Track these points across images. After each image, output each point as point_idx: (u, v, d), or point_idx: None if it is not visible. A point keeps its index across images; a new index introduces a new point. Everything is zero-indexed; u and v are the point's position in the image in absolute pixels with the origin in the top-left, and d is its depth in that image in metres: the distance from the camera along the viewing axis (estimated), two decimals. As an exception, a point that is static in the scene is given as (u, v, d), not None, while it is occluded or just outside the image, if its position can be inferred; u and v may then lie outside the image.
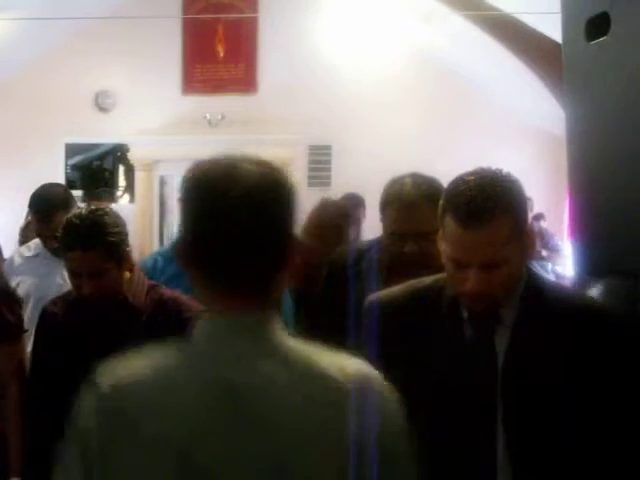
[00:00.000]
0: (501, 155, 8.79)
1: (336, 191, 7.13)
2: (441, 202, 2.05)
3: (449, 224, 1.98)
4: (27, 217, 5.79)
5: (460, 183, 2.02)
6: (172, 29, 9.43)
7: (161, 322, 2.62)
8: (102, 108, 9.68)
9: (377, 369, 1.53)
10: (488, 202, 1.92)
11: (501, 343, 2.02)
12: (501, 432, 1.99)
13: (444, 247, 2.02)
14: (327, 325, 2.91)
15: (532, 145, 9.11)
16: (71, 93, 9.49)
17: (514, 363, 2.00)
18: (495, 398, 2.00)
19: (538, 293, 2.06)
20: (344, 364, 1.47)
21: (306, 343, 1.50)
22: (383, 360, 1.82)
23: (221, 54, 9.67)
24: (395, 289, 2.23)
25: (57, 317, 2.74)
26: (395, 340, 2.07)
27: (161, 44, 9.42)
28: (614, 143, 2.27)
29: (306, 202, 7.04)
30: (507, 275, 1.97)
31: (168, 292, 2.73)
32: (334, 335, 2.39)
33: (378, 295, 2.25)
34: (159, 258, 3.41)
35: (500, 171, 2.05)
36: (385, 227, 2.89)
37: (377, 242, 2.99)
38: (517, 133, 9.19)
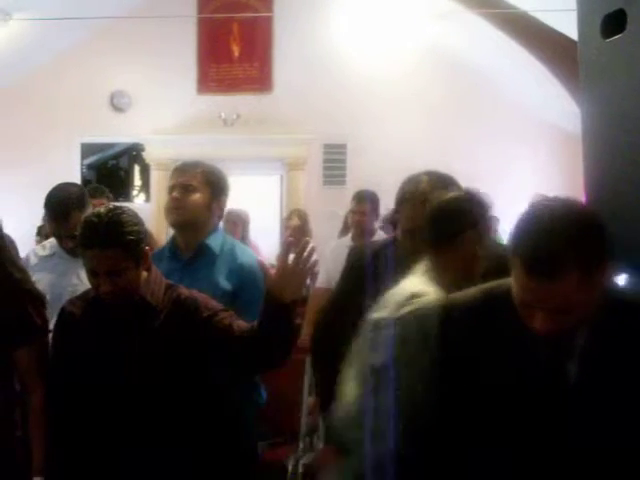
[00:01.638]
0: (516, 152, 8.83)
1: (351, 189, 7.14)
2: (511, 234, 1.89)
3: (516, 264, 1.85)
4: (44, 216, 5.82)
5: (530, 220, 1.86)
6: (187, 29, 9.45)
7: (179, 321, 2.63)
8: (118, 108, 9.71)
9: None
10: (558, 253, 1.76)
11: (572, 365, 1.93)
12: (565, 448, 1.93)
13: (512, 281, 1.89)
14: (345, 321, 2.93)
15: (547, 142, 9.07)
16: (87, 93, 9.52)
17: (584, 382, 1.92)
18: (562, 417, 1.93)
19: (612, 309, 1.92)
20: None
21: None
22: (445, 364, 1.81)
23: (236, 53, 9.68)
24: (470, 292, 2.16)
25: (75, 316, 2.75)
26: (463, 346, 2.05)
27: (176, 43, 9.44)
28: (630, 140, 2.25)
29: (321, 200, 7.08)
30: (578, 314, 1.86)
31: (186, 291, 2.73)
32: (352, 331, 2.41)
33: (453, 296, 2.21)
34: (154, 259, 3.41)
35: (577, 206, 1.88)
36: (401, 224, 2.90)
37: (393, 239, 3.00)
38: (532, 130, 9.15)
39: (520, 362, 1.96)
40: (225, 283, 3.15)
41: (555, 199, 1.88)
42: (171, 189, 3.33)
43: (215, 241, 3.29)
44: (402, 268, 2.59)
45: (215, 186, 3.35)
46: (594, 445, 1.89)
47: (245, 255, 3.27)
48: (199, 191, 3.29)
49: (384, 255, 2.81)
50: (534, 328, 1.87)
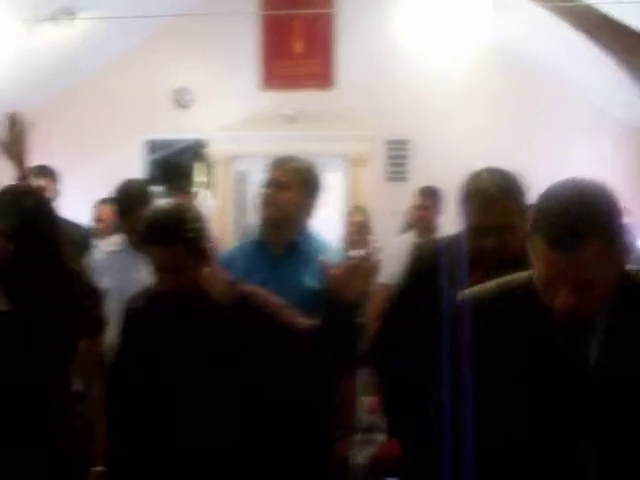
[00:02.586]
0: (579, 146, 8.68)
1: (413, 186, 7.11)
2: (531, 216, 1.94)
3: (537, 241, 1.88)
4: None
5: (549, 198, 1.91)
6: (249, 25, 9.48)
7: (241, 317, 2.64)
8: (181, 105, 9.79)
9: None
10: (577, 225, 1.80)
11: (593, 349, 1.94)
12: (589, 438, 1.92)
13: (533, 260, 1.92)
14: (407, 319, 2.91)
15: (611, 136, 8.89)
16: (151, 90, 9.62)
17: (605, 369, 1.92)
18: (584, 406, 1.93)
19: (634, 295, 1.96)
20: None
21: None
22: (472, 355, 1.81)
23: (298, 50, 9.68)
24: (488, 285, 2.17)
25: (139, 312, 2.78)
26: (485, 337, 2.03)
27: (239, 40, 9.48)
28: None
29: (383, 197, 7.07)
30: (600, 291, 1.87)
31: (248, 287, 2.74)
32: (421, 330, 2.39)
33: (470, 291, 2.19)
34: (236, 252, 3.42)
35: (593, 183, 1.92)
36: (465, 221, 2.87)
37: (458, 237, 2.97)
38: (595, 124, 8.99)
39: (541, 347, 1.97)
40: (313, 282, 3.12)
41: (572, 179, 1.94)
42: (264, 184, 3.33)
43: (305, 239, 3.28)
44: (467, 265, 2.57)
45: (308, 183, 3.34)
46: (615, 428, 1.90)
47: (335, 254, 3.21)
48: (292, 189, 3.27)
49: (451, 252, 2.78)
50: (556, 308, 1.89)
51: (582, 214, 1.82)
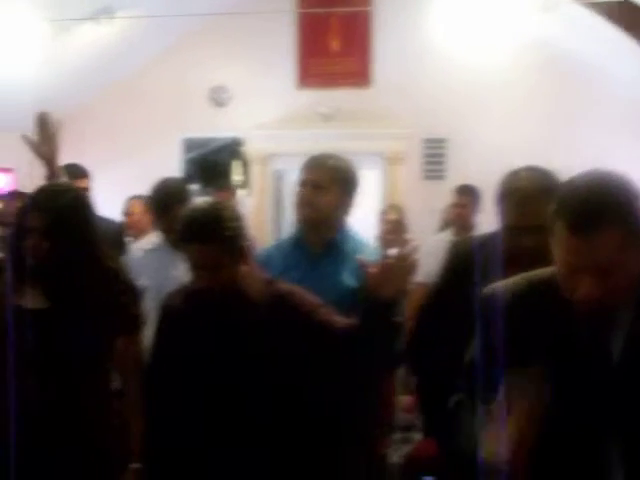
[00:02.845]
0: (620, 144, 8.59)
1: (450, 184, 7.09)
2: (553, 204, 1.96)
3: (559, 227, 1.90)
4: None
5: (571, 186, 1.95)
6: (286, 23, 9.50)
7: (278, 316, 2.64)
8: (218, 103, 9.82)
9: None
10: (598, 208, 1.82)
11: (617, 344, 1.94)
12: (614, 433, 1.92)
13: (555, 250, 1.94)
14: (444, 318, 2.90)
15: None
16: (188, 88, 9.67)
17: (630, 364, 1.91)
18: (608, 401, 1.92)
19: None
20: None
21: None
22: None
23: (335, 48, 9.68)
24: (511, 280, 2.17)
25: (176, 310, 2.79)
26: (509, 331, 2.02)
27: (275, 38, 9.50)
28: None
29: (421, 195, 7.04)
30: (622, 281, 1.87)
31: (285, 286, 2.74)
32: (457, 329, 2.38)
33: (495, 286, 2.19)
34: (274, 251, 3.42)
35: (614, 173, 1.93)
36: (502, 220, 2.85)
37: (494, 235, 2.95)
38: (634, 122, 8.90)
39: (564, 342, 1.97)
40: (351, 280, 3.11)
41: (594, 169, 1.96)
42: (300, 184, 3.32)
43: (343, 238, 3.27)
44: (503, 264, 2.55)
45: (344, 183, 3.32)
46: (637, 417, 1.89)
47: (373, 252, 3.18)
48: (328, 189, 3.24)
49: (487, 250, 2.76)
50: (578, 299, 1.89)
51: (602, 200, 1.84)
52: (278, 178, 9.86)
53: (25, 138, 3.57)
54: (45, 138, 3.57)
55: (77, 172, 5.29)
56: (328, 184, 3.23)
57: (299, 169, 3.38)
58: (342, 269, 3.16)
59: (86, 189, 5.27)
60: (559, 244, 1.91)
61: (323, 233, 3.25)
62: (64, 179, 3.55)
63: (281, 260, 3.20)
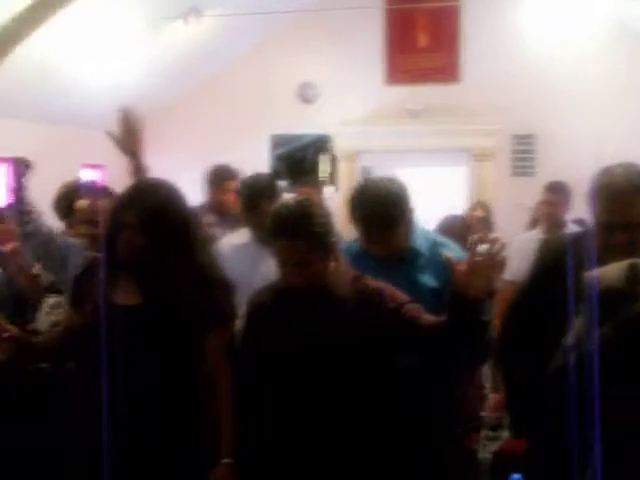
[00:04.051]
0: None
1: (540, 181, 6.98)
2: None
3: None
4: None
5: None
6: (373, 20, 9.49)
7: (365, 312, 2.64)
8: (305, 100, 9.88)
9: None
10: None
11: None
12: None
13: None
14: (534, 317, 2.87)
15: None
16: (275, 85, 9.75)
17: None
18: None
19: None
20: None
21: None
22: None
23: (422, 44, 9.64)
24: (612, 265, 2.18)
25: (264, 307, 2.80)
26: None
27: (363, 35, 9.50)
28: None
29: (509, 192, 6.96)
30: None
31: (373, 283, 2.73)
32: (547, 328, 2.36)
33: (596, 271, 2.20)
34: (354, 246, 3.36)
35: None
36: (594, 217, 2.81)
37: (586, 233, 2.91)
38: None
39: None
40: (430, 281, 3.08)
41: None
42: (364, 220, 3.23)
43: (418, 240, 3.21)
44: (597, 262, 2.51)
45: (404, 209, 3.18)
46: None
47: (450, 250, 3.09)
48: (396, 225, 3.12)
49: (578, 249, 2.71)
50: None
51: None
52: (365, 175, 9.86)
53: (109, 134, 3.64)
54: (128, 134, 3.63)
55: (225, 174, 5.26)
56: (392, 222, 3.12)
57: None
58: (418, 271, 3.12)
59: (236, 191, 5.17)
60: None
61: (394, 252, 3.16)
62: (150, 175, 3.59)
63: (354, 263, 3.11)
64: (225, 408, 2.71)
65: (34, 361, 3.32)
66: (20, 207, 3.98)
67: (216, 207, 5.03)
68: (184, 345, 2.70)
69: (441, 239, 3.32)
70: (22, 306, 4.01)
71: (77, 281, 2.99)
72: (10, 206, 4.36)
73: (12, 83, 7.00)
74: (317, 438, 2.64)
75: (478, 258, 2.39)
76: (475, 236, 2.47)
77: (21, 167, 3.98)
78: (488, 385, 4.59)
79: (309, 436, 2.64)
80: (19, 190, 3.97)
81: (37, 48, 6.73)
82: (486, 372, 4.43)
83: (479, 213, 6.74)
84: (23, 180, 3.98)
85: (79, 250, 3.95)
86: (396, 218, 3.06)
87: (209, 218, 4.88)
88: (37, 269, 4.11)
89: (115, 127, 3.64)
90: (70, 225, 4.39)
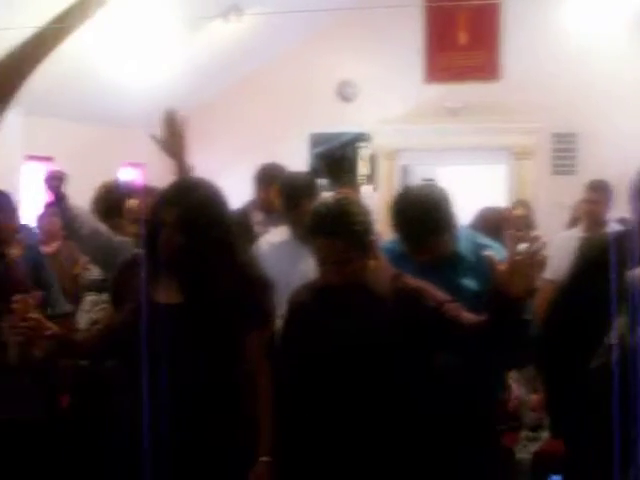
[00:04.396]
0: None
1: (581, 180, 6.92)
2: None
3: None
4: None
5: None
6: (413, 18, 9.47)
7: (404, 311, 2.63)
8: (344, 98, 9.88)
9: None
10: None
11: None
12: None
13: None
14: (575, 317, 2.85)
15: None
16: (314, 83, 9.75)
17: None
18: None
19: None
20: None
21: None
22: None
23: (462, 42, 9.60)
24: None
25: (303, 306, 2.81)
26: None
27: (402, 33, 9.48)
28: None
29: (549, 191, 6.90)
30: None
31: (412, 281, 2.72)
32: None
33: (638, 270, 2.21)
34: (395, 247, 3.35)
35: None
36: (637, 216, 2.78)
37: (629, 232, 2.88)
38: None
39: None
40: (473, 284, 3.05)
41: None
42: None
43: (462, 243, 3.17)
44: (638, 262, 2.48)
45: (448, 219, 3.16)
46: None
47: (495, 248, 3.03)
48: (442, 234, 3.08)
49: (621, 247, 2.68)
50: None
51: None
52: (405, 173, 9.84)
53: (153, 137, 3.65)
54: (172, 135, 3.64)
55: (274, 172, 5.20)
56: (435, 230, 3.08)
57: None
58: (460, 273, 3.09)
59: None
60: None
61: (437, 257, 3.13)
62: (194, 174, 3.60)
63: (395, 264, 3.09)
64: (265, 407, 2.71)
65: (74, 358, 3.35)
66: (67, 214, 3.92)
67: (264, 205, 5.02)
68: (225, 344, 2.70)
69: (485, 241, 3.27)
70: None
71: (118, 279, 3.01)
72: (51, 205, 4.35)
73: (53, 83, 7.08)
74: (356, 436, 2.64)
75: (519, 257, 2.37)
76: (512, 231, 2.45)
77: (56, 180, 3.90)
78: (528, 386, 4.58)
79: (348, 435, 2.64)
80: (61, 200, 3.90)
81: (77, 49, 6.79)
82: (526, 372, 4.42)
83: (520, 211, 6.70)
84: (62, 190, 3.91)
85: (131, 249, 3.97)
86: (439, 226, 3.04)
87: (257, 216, 4.89)
88: (86, 266, 4.13)
89: (157, 128, 3.65)
90: (113, 226, 4.37)
